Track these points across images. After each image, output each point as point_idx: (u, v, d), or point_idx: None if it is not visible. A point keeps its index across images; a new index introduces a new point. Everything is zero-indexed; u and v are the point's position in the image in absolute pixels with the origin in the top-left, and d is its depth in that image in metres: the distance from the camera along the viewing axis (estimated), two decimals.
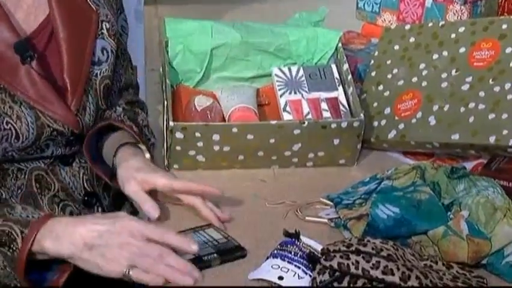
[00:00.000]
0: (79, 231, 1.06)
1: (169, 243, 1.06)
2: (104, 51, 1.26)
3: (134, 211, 1.45)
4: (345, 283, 1.04)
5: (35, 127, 1.18)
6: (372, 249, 1.05)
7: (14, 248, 1.06)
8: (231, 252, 1.12)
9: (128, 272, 1.03)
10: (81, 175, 1.28)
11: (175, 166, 1.34)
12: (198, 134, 1.29)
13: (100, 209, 1.30)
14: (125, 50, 1.36)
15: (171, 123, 1.28)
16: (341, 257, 1.05)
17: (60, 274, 1.11)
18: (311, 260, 1.08)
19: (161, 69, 1.46)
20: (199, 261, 1.08)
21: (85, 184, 1.28)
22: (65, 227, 1.07)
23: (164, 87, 1.38)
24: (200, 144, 1.30)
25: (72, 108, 1.21)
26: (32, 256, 1.08)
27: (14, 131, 1.17)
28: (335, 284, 1.04)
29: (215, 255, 1.10)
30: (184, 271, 1.04)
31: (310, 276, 1.08)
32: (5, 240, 1.07)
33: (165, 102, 1.34)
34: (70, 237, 1.06)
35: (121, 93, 1.37)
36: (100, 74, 1.26)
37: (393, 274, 1.02)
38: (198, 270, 1.06)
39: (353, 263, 1.03)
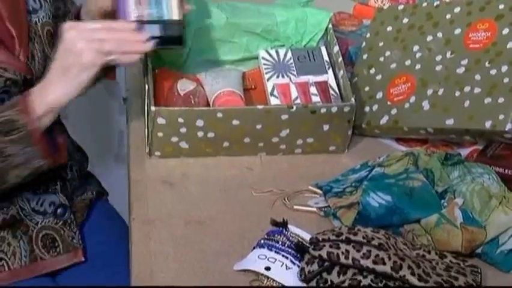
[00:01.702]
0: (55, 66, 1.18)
1: (116, 28, 1.20)
2: (37, 0, 1.30)
3: (102, 190, 1.49)
4: (334, 273, 1.06)
5: None
6: (363, 238, 1.07)
7: (20, 127, 1.15)
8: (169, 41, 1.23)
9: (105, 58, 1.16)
10: None
11: (157, 153, 1.35)
12: (180, 120, 1.31)
13: (62, 184, 1.34)
14: None
15: (153, 108, 1.29)
16: (331, 246, 1.07)
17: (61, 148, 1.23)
18: (299, 250, 1.10)
19: None
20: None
21: None
22: (45, 82, 1.19)
23: (145, 70, 1.39)
24: (183, 130, 1.32)
25: (21, 57, 1.24)
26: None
27: None
28: (324, 274, 1.06)
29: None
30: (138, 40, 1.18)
31: (298, 266, 1.10)
32: (7, 128, 1.15)
33: (146, 87, 1.36)
34: (49, 83, 1.18)
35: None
36: (39, 22, 1.30)
37: (384, 264, 1.04)
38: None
39: (342, 253, 1.06)
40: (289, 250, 1.12)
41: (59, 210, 1.32)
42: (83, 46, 1.15)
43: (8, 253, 1.28)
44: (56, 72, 1.18)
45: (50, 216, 1.32)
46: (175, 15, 1.23)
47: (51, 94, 1.18)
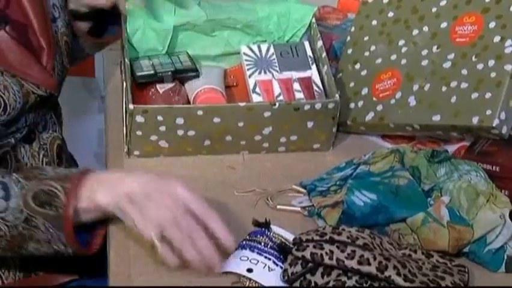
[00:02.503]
0: (124, 181, 1.07)
1: (209, 225, 1.07)
2: (55, 8, 1.29)
3: None
4: (318, 274, 1.06)
5: (22, 95, 1.19)
6: (348, 238, 1.07)
7: (57, 205, 1.06)
8: (185, 71, 1.39)
9: (156, 239, 1.05)
10: (40, 156, 1.29)
11: (136, 153, 1.35)
12: (160, 118, 1.31)
13: None
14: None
15: (131, 106, 1.29)
16: (314, 246, 1.07)
17: (94, 237, 1.13)
18: (282, 251, 1.10)
19: (120, 48, 1.47)
20: (155, 76, 1.37)
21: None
22: (109, 176, 1.09)
23: (123, 67, 1.39)
24: (162, 128, 1.32)
25: (48, 69, 1.23)
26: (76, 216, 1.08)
27: (2, 102, 1.17)
28: (308, 276, 1.07)
29: (169, 72, 1.37)
30: (207, 257, 1.06)
31: (281, 267, 1.10)
32: (44, 199, 1.06)
33: (124, 84, 1.35)
34: (112, 186, 1.07)
35: None
36: (58, 31, 1.29)
37: (369, 264, 1.05)
38: (218, 258, 1.06)
39: (326, 253, 1.06)
40: (272, 251, 1.12)
41: None
42: (156, 218, 1.05)
43: (2, 268, 1.26)
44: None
45: None
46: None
47: (100, 194, 1.08)
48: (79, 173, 1.10)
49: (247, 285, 1.09)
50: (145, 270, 1.15)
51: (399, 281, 1.04)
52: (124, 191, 1.07)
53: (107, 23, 1.44)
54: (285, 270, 1.09)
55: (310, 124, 1.36)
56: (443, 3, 1.41)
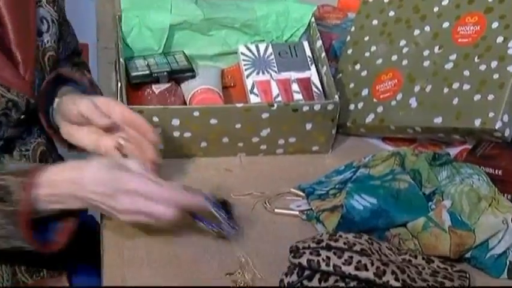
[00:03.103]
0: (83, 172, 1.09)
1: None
2: (44, 21, 1.27)
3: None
4: (315, 280, 1.07)
5: None
6: (344, 244, 1.07)
7: (13, 200, 1.06)
8: (181, 71, 1.40)
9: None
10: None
11: None
12: (155, 119, 1.31)
13: None
14: (65, 15, 1.38)
15: None
16: (311, 253, 1.07)
17: (60, 234, 1.14)
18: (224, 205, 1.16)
19: (114, 47, 1.47)
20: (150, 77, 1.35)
21: None
22: (70, 169, 1.10)
23: (118, 67, 1.39)
24: (158, 129, 1.32)
25: (27, 80, 1.21)
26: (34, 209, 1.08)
27: None
28: (305, 282, 1.07)
29: (165, 73, 1.37)
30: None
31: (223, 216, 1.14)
32: (1, 194, 1.06)
33: (119, 84, 1.36)
34: (73, 178, 1.09)
35: (68, 60, 1.39)
36: (42, 46, 1.27)
37: (367, 269, 1.05)
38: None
39: (323, 259, 1.06)
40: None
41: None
42: (130, 218, 1.10)
43: None
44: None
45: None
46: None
47: (64, 187, 1.09)
48: (37, 166, 1.11)
49: (240, 275, 1.11)
50: (138, 274, 1.15)
51: (398, 286, 1.04)
52: (86, 188, 1.09)
53: None
54: (281, 281, 1.09)
55: (309, 126, 1.36)
56: (445, 2, 1.41)
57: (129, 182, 1.09)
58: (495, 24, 1.33)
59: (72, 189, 1.10)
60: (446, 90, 1.33)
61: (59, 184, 1.10)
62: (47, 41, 1.28)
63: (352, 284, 1.05)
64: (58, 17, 1.30)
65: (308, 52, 1.46)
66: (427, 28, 1.41)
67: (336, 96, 1.36)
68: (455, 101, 1.31)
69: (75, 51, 1.44)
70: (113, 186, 1.09)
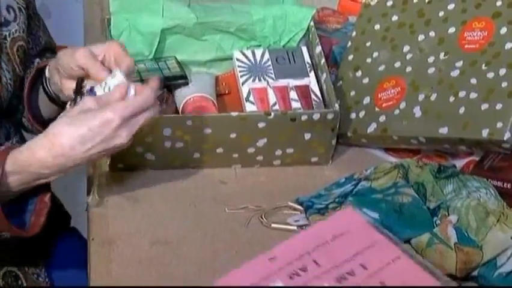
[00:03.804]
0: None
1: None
2: (10, 10, 1.27)
3: (65, 217, 1.48)
4: None
5: None
6: None
7: None
8: (173, 78, 1.39)
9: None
10: None
11: (119, 166, 1.35)
12: (146, 128, 1.30)
13: None
14: (35, 9, 1.38)
15: None
16: None
17: (36, 217, 1.17)
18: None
19: None
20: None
21: None
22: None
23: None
24: (149, 139, 1.32)
25: None
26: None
27: None
28: None
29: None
30: None
31: None
32: None
33: None
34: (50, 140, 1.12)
35: (41, 56, 1.39)
36: (9, 36, 1.27)
37: None
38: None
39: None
40: None
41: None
42: (125, 134, 1.13)
43: None
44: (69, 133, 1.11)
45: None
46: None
47: (41, 152, 1.11)
48: (6, 147, 1.14)
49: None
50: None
51: None
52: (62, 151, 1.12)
53: None
54: None
55: (307, 136, 1.36)
56: (451, 6, 1.41)
57: (107, 114, 1.11)
58: (503, 30, 1.33)
59: (59, 161, 1.12)
60: (452, 98, 1.34)
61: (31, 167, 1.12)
62: (16, 31, 1.28)
63: None
64: (27, 7, 1.31)
65: (307, 58, 1.46)
66: (432, 33, 1.41)
67: (336, 105, 1.36)
68: (462, 110, 1.31)
69: (48, 47, 1.43)
70: (97, 132, 1.10)
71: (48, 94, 1.30)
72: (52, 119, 1.19)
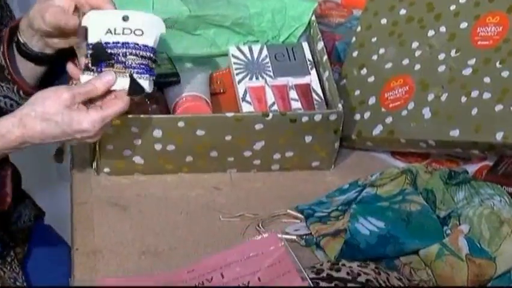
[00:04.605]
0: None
1: None
2: None
3: (38, 212, 1.51)
4: None
5: None
6: (348, 274, 1.08)
7: None
8: (164, 76, 1.38)
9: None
10: None
11: (106, 170, 1.36)
12: (134, 129, 1.31)
13: None
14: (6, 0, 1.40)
15: None
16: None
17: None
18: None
19: None
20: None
21: None
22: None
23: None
24: (137, 142, 1.32)
25: None
26: None
27: None
28: None
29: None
30: None
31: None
32: None
33: None
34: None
35: None
36: None
37: None
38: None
39: None
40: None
41: None
42: (97, 137, 1.22)
43: None
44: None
45: None
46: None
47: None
48: None
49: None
50: None
51: None
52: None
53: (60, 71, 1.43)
54: None
55: (308, 138, 1.36)
56: (463, 0, 1.42)
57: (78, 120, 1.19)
58: None
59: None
60: (463, 99, 1.34)
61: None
62: None
63: None
64: None
65: (308, 55, 1.47)
66: (443, 29, 1.42)
67: (340, 105, 1.36)
68: (474, 111, 1.32)
69: None
70: (70, 135, 1.20)
71: (30, 56, 1.32)
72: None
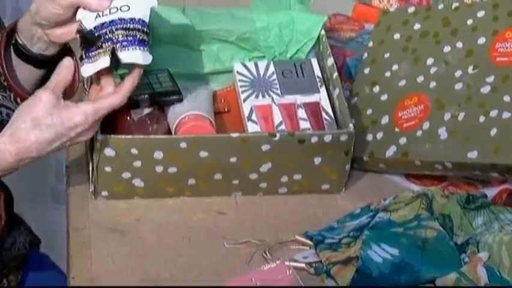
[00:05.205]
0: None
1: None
2: None
3: (33, 238, 1.51)
4: None
5: None
6: None
7: None
8: (165, 94, 1.41)
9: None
10: None
11: (104, 193, 1.36)
12: (134, 151, 1.32)
13: None
14: None
15: (99, 137, 1.30)
16: None
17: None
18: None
19: None
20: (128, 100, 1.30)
21: None
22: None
23: (88, 87, 1.39)
24: (137, 164, 1.33)
25: None
26: None
27: None
28: None
29: (146, 95, 1.38)
30: None
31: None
32: None
33: None
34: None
35: None
36: None
37: None
38: None
39: None
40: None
41: None
42: (92, 132, 1.26)
43: None
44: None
45: None
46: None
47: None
48: None
49: None
50: None
51: None
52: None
53: None
54: None
55: (318, 160, 1.37)
56: (480, 14, 1.42)
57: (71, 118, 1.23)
58: None
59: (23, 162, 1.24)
60: (482, 118, 1.34)
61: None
62: None
63: None
64: None
65: (317, 71, 1.47)
66: (459, 44, 1.42)
67: (351, 125, 1.36)
68: (493, 131, 1.32)
69: None
70: (65, 134, 1.23)
71: (29, 58, 1.34)
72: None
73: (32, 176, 2.17)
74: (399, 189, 1.39)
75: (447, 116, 1.38)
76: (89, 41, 1.25)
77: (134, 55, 1.24)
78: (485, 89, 1.36)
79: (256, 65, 1.47)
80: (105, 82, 1.27)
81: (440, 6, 1.48)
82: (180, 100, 1.42)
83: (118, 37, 1.24)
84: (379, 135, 1.43)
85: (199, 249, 1.30)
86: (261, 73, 1.46)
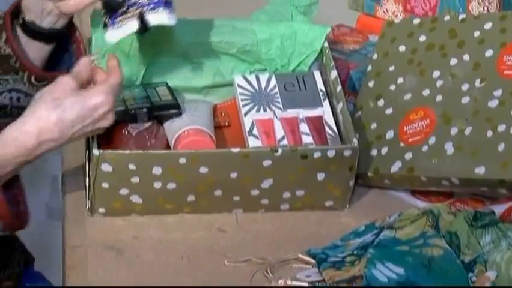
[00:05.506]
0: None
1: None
2: None
3: (28, 256, 1.51)
4: None
5: None
6: None
7: None
8: (164, 107, 1.42)
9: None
10: None
11: (101, 210, 1.36)
12: (132, 166, 1.32)
13: None
14: None
15: (95, 152, 1.30)
16: None
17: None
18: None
19: None
20: (126, 114, 1.37)
21: None
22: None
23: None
24: (135, 179, 1.33)
25: None
26: None
27: None
28: None
29: (144, 109, 1.40)
30: None
31: None
32: None
33: None
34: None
35: None
36: None
37: None
38: None
39: None
40: None
41: None
42: (111, 116, 1.27)
43: None
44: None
45: None
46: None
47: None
48: None
49: None
50: None
51: None
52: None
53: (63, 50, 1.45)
54: None
55: (321, 176, 1.37)
56: (488, 26, 1.43)
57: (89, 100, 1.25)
58: None
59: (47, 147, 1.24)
60: (489, 133, 1.34)
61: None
62: None
63: None
64: None
65: (320, 84, 1.47)
66: (466, 57, 1.43)
67: (355, 140, 1.37)
68: (501, 147, 1.32)
69: None
70: (88, 115, 1.25)
71: (39, 35, 1.36)
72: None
73: (27, 192, 2.17)
74: (404, 206, 1.39)
75: (454, 131, 1.38)
76: (114, 7, 1.29)
77: (161, 17, 1.29)
78: (493, 103, 1.36)
79: (257, 78, 1.47)
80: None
81: (447, 18, 1.49)
82: (179, 114, 1.42)
83: (143, 1, 1.27)
84: (384, 151, 1.43)
85: (199, 267, 1.30)
86: (263, 86, 1.47)
